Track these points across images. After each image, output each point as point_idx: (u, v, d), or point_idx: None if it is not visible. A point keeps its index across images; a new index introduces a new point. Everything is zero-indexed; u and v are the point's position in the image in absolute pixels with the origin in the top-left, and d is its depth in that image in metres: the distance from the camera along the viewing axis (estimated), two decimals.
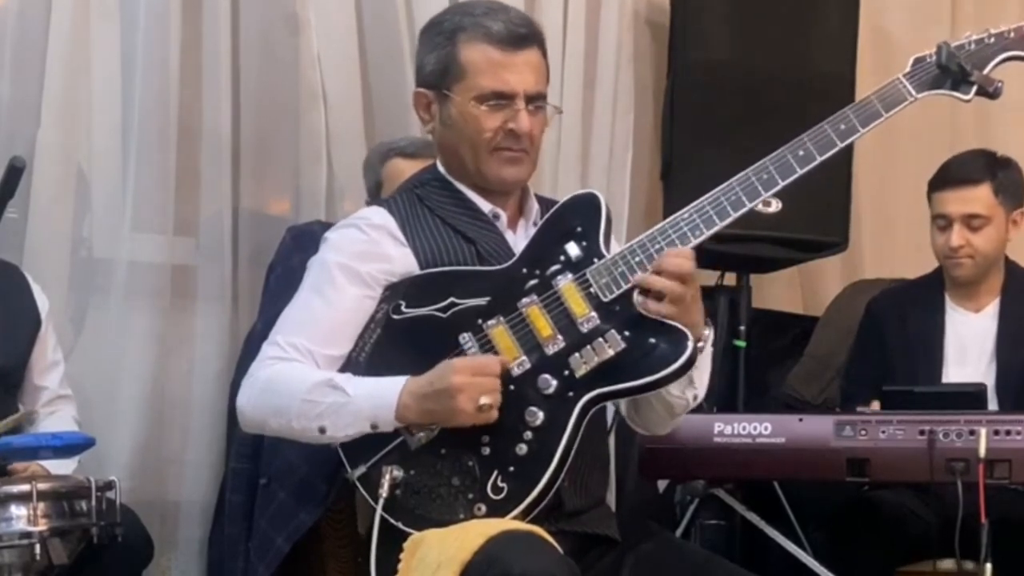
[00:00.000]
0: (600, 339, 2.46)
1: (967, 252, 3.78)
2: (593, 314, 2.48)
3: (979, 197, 3.77)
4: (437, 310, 2.54)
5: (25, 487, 2.76)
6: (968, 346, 3.84)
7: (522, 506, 2.41)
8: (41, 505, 2.74)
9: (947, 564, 3.42)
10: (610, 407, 2.74)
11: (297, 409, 2.50)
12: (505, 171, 2.63)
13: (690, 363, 2.45)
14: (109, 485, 2.87)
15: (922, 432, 3.20)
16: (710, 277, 4.43)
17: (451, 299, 2.54)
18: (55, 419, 3.35)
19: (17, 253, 3.51)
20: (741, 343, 4.27)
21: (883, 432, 3.24)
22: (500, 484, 2.42)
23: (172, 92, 3.71)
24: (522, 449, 2.43)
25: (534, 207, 2.71)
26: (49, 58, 3.58)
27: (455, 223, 2.63)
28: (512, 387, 2.47)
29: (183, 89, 3.73)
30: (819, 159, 2.55)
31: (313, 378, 2.52)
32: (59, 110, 3.58)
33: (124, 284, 3.65)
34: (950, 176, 3.82)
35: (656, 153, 4.46)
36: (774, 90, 4.14)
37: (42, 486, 2.77)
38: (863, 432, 3.25)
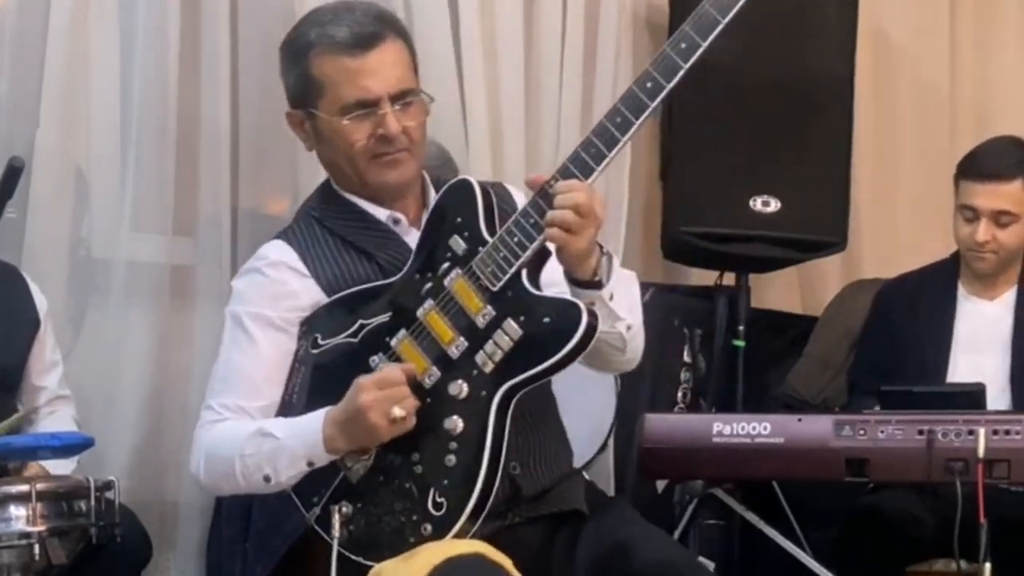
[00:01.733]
0: (499, 331, 2.40)
1: (992, 248, 3.75)
2: (487, 307, 2.42)
3: (1011, 193, 3.72)
4: (349, 336, 2.51)
5: (24, 487, 2.76)
6: (981, 335, 3.81)
7: (464, 516, 2.37)
8: (40, 505, 2.74)
9: (946, 564, 3.42)
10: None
11: (240, 467, 2.49)
12: (387, 176, 2.58)
13: (590, 332, 2.37)
14: (108, 485, 2.87)
15: (921, 432, 3.20)
16: (709, 277, 4.43)
17: (359, 322, 2.51)
18: (54, 419, 3.35)
19: (16, 253, 3.51)
20: (740, 343, 4.26)
21: (882, 432, 3.23)
22: (439, 500, 2.39)
23: (171, 92, 3.70)
24: (451, 460, 2.40)
25: (434, 198, 2.64)
26: (48, 58, 3.57)
27: (354, 240, 2.60)
28: (428, 400, 2.42)
29: (182, 89, 3.72)
30: (668, 86, 2.51)
31: (245, 432, 2.51)
32: (58, 110, 3.58)
33: (123, 284, 3.64)
34: (982, 168, 3.75)
35: (655, 153, 4.45)
36: (773, 91, 4.13)
37: (41, 486, 2.77)
38: (862, 432, 3.25)
